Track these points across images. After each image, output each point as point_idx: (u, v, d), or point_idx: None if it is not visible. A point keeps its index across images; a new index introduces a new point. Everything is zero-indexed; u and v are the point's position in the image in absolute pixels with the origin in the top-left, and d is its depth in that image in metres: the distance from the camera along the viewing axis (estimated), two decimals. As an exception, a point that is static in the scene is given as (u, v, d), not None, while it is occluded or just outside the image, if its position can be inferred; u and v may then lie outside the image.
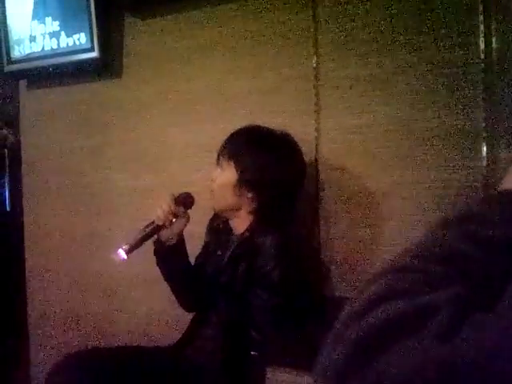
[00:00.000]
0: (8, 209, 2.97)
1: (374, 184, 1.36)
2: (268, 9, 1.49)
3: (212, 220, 1.38)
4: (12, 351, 2.31)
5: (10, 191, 2.97)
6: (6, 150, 3.01)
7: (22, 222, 1.98)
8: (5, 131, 3.14)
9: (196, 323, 1.31)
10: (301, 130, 1.44)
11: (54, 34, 1.73)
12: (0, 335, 2.66)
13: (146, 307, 1.63)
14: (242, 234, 1.24)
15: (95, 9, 1.64)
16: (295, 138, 1.44)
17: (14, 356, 2.17)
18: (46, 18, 1.74)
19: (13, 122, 3.09)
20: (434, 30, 1.28)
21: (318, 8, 1.42)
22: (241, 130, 1.26)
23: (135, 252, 1.69)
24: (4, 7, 1.82)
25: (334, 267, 1.40)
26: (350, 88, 1.38)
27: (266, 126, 1.47)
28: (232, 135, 1.25)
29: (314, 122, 1.42)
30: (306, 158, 1.43)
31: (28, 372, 1.95)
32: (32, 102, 1.95)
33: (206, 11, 1.58)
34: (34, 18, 1.78)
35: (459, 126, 1.25)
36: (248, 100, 1.52)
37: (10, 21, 1.82)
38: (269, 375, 1.10)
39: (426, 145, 1.30)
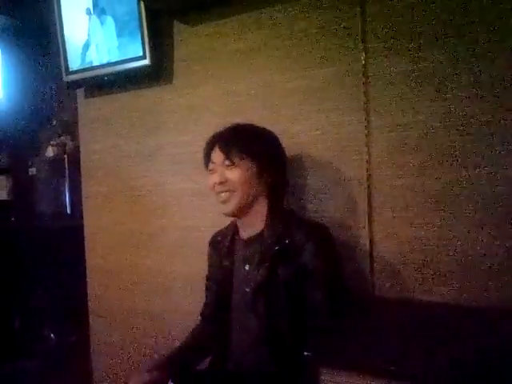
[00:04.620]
0: (68, 212, 3.16)
1: (428, 182, 1.32)
2: (314, 8, 1.48)
3: (216, 242, 1.39)
4: (75, 346, 2.44)
5: (69, 195, 3.15)
6: (65, 156, 3.20)
7: (82, 223, 2.08)
8: (64, 138, 3.33)
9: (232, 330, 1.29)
10: (350, 128, 1.42)
11: (106, 45, 1.81)
12: (64, 331, 2.82)
13: (201, 306, 1.66)
14: (269, 230, 1.24)
15: (146, 19, 1.69)
16: (345, 136, 1.44)
17: (77, 351, 2.30)
18: (100, 30, 1.83)
19: (71, 130, 3.27)
20: (487, 21, 1.23)
21: (366, 3, 1.40)
22: (224, 131, 1.29)
23: (190, 250, 1.73)
24: (61, 21, 1.93)
25: (385, 267, 1.38)
26: (401, 84, 1.35)
27: (316, 124, 1.48)
28: (221, 138, 1.28)
29: (363, 119, 1.40)
30: (357, 156, 1.41)
31: (89, 366, 2.05)
32: (89, 110, 2.05)
33: (253, 14, 1.59)
34: (89, 30, 1.87)
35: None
36: (297, 99, 1.51)
37: (67, 34, 1.93)
38: (323, 376, 1.10)
39: (482, 141, 1.25)
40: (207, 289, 1.42)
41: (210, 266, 1.41)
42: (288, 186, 1.38)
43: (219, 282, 1.34)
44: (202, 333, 1.39)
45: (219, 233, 1.41)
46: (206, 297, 1.41)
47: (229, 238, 1.34)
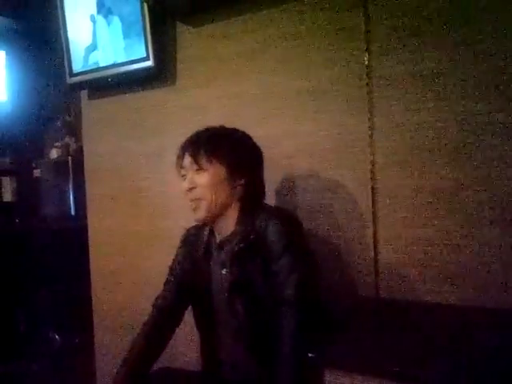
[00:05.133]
0: (73, 213, 3.17)
1: (432, 182, 1.31)
2: (317, 8, 1.48)
3: (189, 243, 1.37)
4: (79, 347, 2.44)
5: (73, 196, 3.17)
6: (69, 158, 3.22)
7: (86, 224, 2.08)
8: (68, 140, 3.35)
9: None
10: (354, 129, 1.42)
11: (112, 46, 1.82)
12: (68, 332, 2.83)
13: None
14: (238, 230, 1.22)
15: (149, 21, 1.70)
16: (348, 137, 1.43)
17: (81, 352, 2.30)
18: (107, 31, 1.83)
19: (75, 131, 3.29)
20: (489, 22, 1.23)
21: (369, 4, 1.40)
22: (194, 135, 1.27)
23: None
24: (65, 23, 1.94)
25: (390, 267, 1.37)
26: (404, 84, 1.34)
27: (319, 125, 1.47)
28: (190, 142, 1.25)
29: (367, 120, 1.40)
30: (361, 157, 1.41)
31: (93, 367, 2.05)
32: (92, 111, 2.05)
33: (255, 16, 1.59)
34: (93, 32, 1.87)
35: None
36: (300, 100, 1.51)
37: (71, 36, 1.93)
38: (327, 378, 1.09)
39: (485, 141, 1.24)
40: (167, 283, 1.38)
41: (177, 262, 1.39)
42: (264, 188, 1.32)
43: (184, 282, 1.34)
44: (156, 327, 1.33)
45: (193, 233, 1.38)
46: (164, 290, 1.37)
47: (204, 238, 1.32)
